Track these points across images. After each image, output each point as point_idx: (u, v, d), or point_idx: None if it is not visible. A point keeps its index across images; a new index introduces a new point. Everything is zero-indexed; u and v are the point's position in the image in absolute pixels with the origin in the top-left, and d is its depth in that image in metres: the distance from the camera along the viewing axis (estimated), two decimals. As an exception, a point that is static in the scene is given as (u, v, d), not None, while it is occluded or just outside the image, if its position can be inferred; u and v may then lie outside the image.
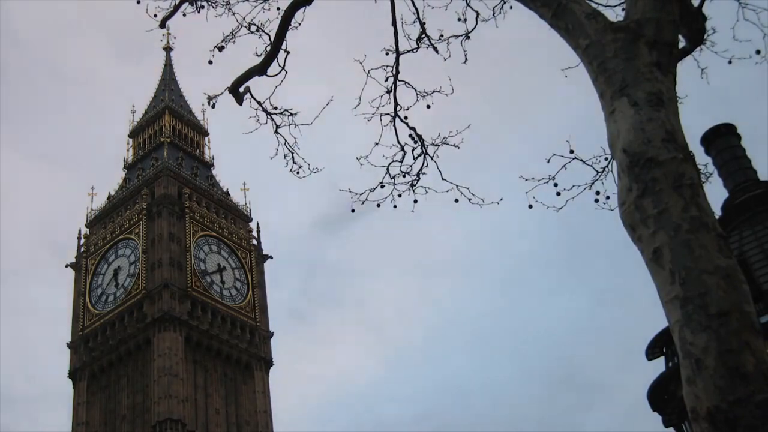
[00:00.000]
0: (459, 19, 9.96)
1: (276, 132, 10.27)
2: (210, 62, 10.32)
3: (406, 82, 10.02)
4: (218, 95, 9.96)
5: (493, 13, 9.67)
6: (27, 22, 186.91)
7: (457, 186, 10.22)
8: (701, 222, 5.23)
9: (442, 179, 10.15)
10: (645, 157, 5.49)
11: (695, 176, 5.46)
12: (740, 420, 4.65)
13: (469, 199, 10.22)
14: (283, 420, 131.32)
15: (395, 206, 10.13)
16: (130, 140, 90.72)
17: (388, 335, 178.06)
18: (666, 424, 22.48)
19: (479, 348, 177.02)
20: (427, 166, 10.04)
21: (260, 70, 9.48)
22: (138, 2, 9.96)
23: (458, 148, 10.12)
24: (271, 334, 77.76)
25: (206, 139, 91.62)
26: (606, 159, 8.98)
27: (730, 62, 8.90)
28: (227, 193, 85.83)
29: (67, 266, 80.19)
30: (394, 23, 9.75)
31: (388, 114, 9.97)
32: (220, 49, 10.04)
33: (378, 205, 10.15)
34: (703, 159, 19.35)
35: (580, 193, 9.30)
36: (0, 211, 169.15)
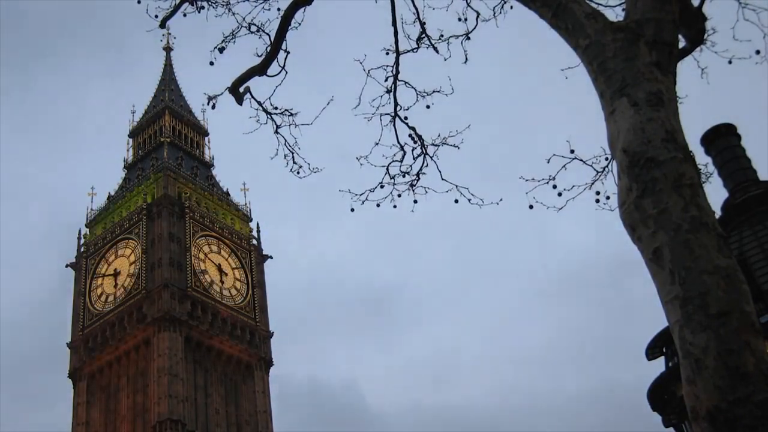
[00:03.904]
0: (459, 19, 9.96)
1: (276, 132, 10.27)
2: (211, 63, 10.31)
3: (406, 82, 10.02)
4: (218, 95, 9.98)
5: (494, 13, 9.67)
6: (27, 21, 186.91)
7: (456, 186, 10.22)
8: (701, 222, 5.22)
9: (442, 179, 10.15)
10: (645, 157, 5.48)
11: (695, 176, 5.45)
12: (740, 420, 4.64)
13: (469, 200, 10.22)
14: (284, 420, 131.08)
15: (395, 206, 10.15)
16: (130, 140, 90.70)
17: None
18: (666, 424, 22.46)
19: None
20: (427, 166, 10.04)
21: (260, 70, 9.48)
22: (138, 2, 9.97)
23: (458, 148, 10.12)
24: (271, 334, 77.71)
25: (206, 139, 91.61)
26: (606, 159, 8.98)
27: (730, 62, 8.92)
28: (227, 193, 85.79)
29: (67, 266, 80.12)
30: (394, 23, 9.74)
31: (388, 114, 9.97)
32: (221, 50, 10.04)
33: (378, 205, 10.17)
34: (703, 159, 19.33)
35: (581, 194, 9.30)
36: (0, 211, 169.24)
